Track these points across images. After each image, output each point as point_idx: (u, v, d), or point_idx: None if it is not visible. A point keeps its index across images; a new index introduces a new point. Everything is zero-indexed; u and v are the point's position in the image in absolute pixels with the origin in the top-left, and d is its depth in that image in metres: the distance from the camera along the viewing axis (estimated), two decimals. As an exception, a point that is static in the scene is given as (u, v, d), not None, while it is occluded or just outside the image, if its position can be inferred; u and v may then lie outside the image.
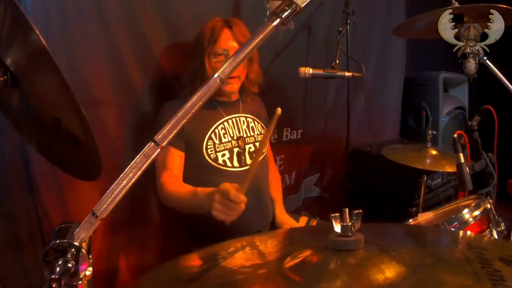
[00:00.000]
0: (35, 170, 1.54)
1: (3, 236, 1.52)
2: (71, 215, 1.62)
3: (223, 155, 1.63)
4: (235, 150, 1.65)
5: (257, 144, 1.73)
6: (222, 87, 1.61)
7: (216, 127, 1.64)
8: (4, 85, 0.83)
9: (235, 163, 1.64)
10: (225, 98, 1.72)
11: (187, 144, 1.62)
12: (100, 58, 1.66)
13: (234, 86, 1.66)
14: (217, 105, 1.69)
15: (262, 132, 1.77)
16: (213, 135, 1.63)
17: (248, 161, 1.67)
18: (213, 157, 1.61)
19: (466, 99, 3.34)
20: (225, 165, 1.62)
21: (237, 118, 1.71)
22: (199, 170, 1.62)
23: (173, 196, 1.50)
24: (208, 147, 1.61)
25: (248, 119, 1.75)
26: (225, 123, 1.67)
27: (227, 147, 1.64)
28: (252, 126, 1.74)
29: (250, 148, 1.70)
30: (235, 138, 1.67)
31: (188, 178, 1.63)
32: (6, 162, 1.52)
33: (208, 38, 1.61)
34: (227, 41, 1.61)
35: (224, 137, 1.65)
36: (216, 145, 1.62)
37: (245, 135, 1.70)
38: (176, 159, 1.60)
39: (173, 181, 1.54)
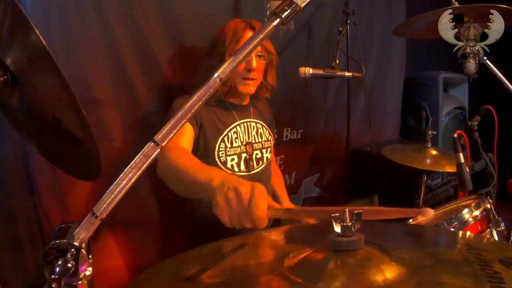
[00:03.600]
0: (35, 170, 1.55)
1: (3, 236, 1.52)
2: (71, 215, 1.62)
3: (232, 159, 1.63)
4: (243, 155, 1.65)
5: (264, 151, 1.73)
6: (239, 87, 1.61)
7: (229, 131, 1.64)
8: (4, 85, 0.83)
9: (242, 168, 1.65)
10: (239, 101, 1.71)
11: (200, 139, 1.58)
12: (100, 58, 1.66)
13: (251, 88, 1.64)
14: (231, 108, 1.68)
15: (269, 138, 1.78)
16: (225, 138, 1.62)
17: (255, 167, 1.68)
18: (222, 160, 1.60)
19: (466, 99, 3.35)
20: (233, 169, 1.62)
21: (248, 123, 1.71)
22: None
23: (178, 162, 1.24)
24: (220, 149, 1.60)
25: (258, 124, 1.75)
26: (238, 127, 1.67)
27: (237, 152, 1.64)
28: (260, 132, 1.74)
29: (257, 154, 1.70)
30: (244, 143, 1.67)
31: None
32: (6, 162, 1.52)
33: (230, 38, 1.58)
34: None
35: (235, 142, 1.64)
36: (227, 149, 1.62)
37: (253, 141, 1.70)
38: (188, 133, 1.50)
39: (181, 148, 1.41)
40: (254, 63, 1.58)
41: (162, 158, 1.30)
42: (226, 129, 1.63)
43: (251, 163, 1.67)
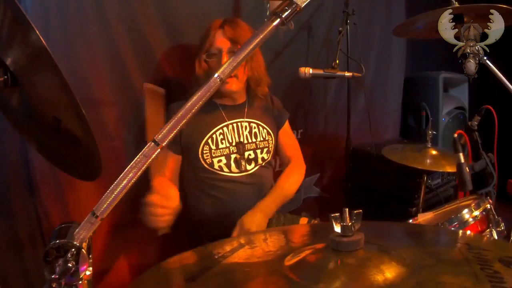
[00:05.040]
0: (35, 170, 1.55)
1: (3, 236, 1.52)
2: (71, 215, 1.63)
3: (219, 160, 1.63)
4: (233, 156, 1.65)
5: (258, 151, 1.71)
6: (221, 88, 1.60)
7: (214, 133, 1.64)
8: (4, 85, 0.83)
9: (233, 169, 1.64)
10: (230, 102, 1.70)
11: (184, 146, 1.62)
12: (100, 58, 1.66)
13: (232, 86, 1.63)
14: (221, 109, 1.68)
15: (267, 138, 1.74)
16: (209, 141, 1.62)
17: (248, 167, 1.67)
18: (208, 162, 1.61)
19: (466, 99, 3.34)
20: (222, 170, 1.62)
21: (239, 123, 1.70)
22: (196, 171, 1.63)
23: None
24: (204, 152, 1.61)
25: (251, 124, 1.72)
26: (225, 128, 1.66)
27: (224, 153, 1.64)
28: (255, 132, 1.72)
29: (249, 155, 1.68)
30: (233, 144, 1.66)
31: (186, 178, 1.65)
32: (6, 162, 1.52)
33: (201, 39, 1.64)
34: (217, 40, 1.60)
35: (222, 143, 1.64)
36: (212, 151, 1.62)
37: (245, 141, 1.69)
38: (171, 163, 1.61)
39: (159, 179, 1.51)
40: (225, 60, 1.55)
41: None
42: (210, 130, 1.63)
43: (243, 163, 1.66)
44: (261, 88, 1.74)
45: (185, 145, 1.63)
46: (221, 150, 1.63)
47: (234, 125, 1.69)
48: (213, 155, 1.62)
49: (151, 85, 1.72)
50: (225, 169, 1.63)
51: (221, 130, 1.65)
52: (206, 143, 1.62)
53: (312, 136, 2.60)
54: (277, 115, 1.84)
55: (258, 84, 1.72)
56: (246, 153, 1.68)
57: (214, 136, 1.63)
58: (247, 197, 1.63)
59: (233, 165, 1.64)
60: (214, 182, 1.62)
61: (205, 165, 1.61)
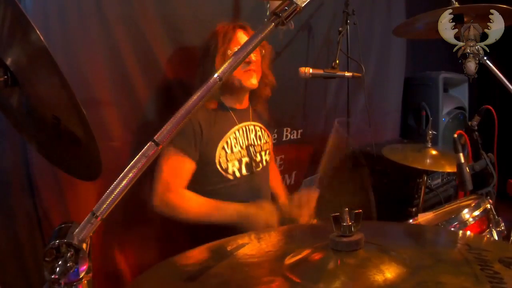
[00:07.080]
0: (35, 170, 1.54)
1: (3, 236, 1.52)
2: (71, 215, 1.62)
3: (233, 165, 1.63)
4: (244, 159, 1.66)
5: (263, 153, 1.73)
6: (243, 83, 1.60)
7: (229, 136, 1.64)
8: (4, 85, 0.83)
9: (244, 171, 1.65)
10: (238, 105, 1.71)
11: (201, 151, 1.60)
12: (100, 58, 1.66)
13: (254, 81, 1.63)
14: (231, 112, 1.68)
15: (268, 140, 1.78)
16: (225, 145, 1.62)
17: (256, 169, 1.68)
18: (224, 167, 1.61)
19: (466, 99, 3.35)
20: (234, 174, 1.63)
21: (247, 127, 1.71)
22: (208, 176, 1.62)
23: (187, 210, 1.54)
24: (221, 157, 1.60)
25: (256, 127, 1.75)
26: (237, 132, 1.67)
27: (237, 157, 1.64)
28: (259, 135, 1.74)
29: (256, 157, 1.70)
30: (244, 147, 1.67)
31: (195, 181, 1.61)
32: (6, 162, 1.52)
33: (221, 40, 1.60)
34: (242, 40, 1.60)
35: (235, 147, 1.65)
36: (228, 155, 1.62)
37: (254, 144, 1.70)
38: (187, 170, 1.57)
39: (181, 193, 1.55)
40: (253, 56, 1.59)
41: (164, 206, 1.55)
42: (225, 135, 1.63)
43: (253, 165, 1.67)
44: (267, 89, 1.75)
45: (202, 150, 1.60)
46: (235, 154, 1.64)
47: (244, 128, 1.70)
48: (228, 159, 1.62)
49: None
50: (237, 174, 1.63)
51: (233, 134, 1.66)
52: (223, 148, 1.61)
53: (312, 136, 2.60)
54: (268, 122, 1.87)
55: (266, 84, 1.73)
56: (255, 156, 1.69)
57: (228, 140, 1.63)
58: (247, 199, 1.63)
59: (244, 168, 1.65)
60: (225, 186, 1.61)
61: (220, 170, 1.60)
